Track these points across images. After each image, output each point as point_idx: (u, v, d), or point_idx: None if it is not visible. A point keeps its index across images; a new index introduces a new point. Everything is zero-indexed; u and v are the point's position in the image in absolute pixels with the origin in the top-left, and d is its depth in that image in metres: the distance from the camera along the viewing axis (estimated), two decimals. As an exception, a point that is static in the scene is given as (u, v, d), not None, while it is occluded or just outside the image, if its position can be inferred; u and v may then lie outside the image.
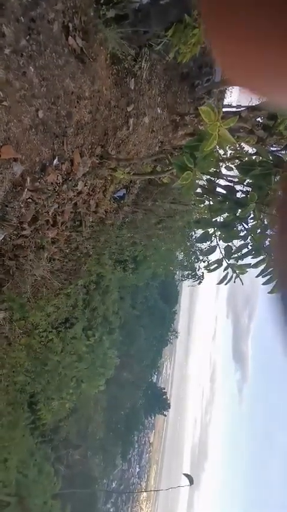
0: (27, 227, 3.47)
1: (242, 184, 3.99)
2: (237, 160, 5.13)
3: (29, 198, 3.13)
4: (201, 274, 10.81)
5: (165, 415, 36.61)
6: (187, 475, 3.83)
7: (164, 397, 31.49)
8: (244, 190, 3.60)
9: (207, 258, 10.41)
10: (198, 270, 10.96)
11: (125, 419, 23.78)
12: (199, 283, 10.90)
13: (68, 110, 3.49)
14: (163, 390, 33.34)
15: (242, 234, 3.25)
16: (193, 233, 10.80)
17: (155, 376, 37.95)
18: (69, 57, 3.84)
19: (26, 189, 2.92)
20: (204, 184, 3.76)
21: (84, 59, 4.09)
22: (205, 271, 10.65)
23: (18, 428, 6.53)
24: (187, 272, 11.85)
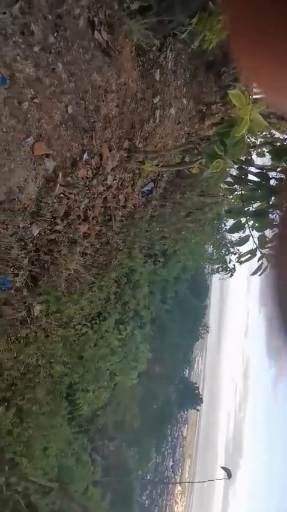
0: (59, 222, 3.57)
1: (275, 171, 3.81)
2: (269, 146, 4.92)
3: (61, 193, 3.21)
4: (232, 266, 10.56)
5: (198, 410, 36.44)
6: (224, 468, 3.78)
7: (197, 392, 31.32)
8: (278, 177, 3.43)
9: (238, 250, 10.15)
10: (229, 263, 10.72)
11: (158, 413, 23.97)
12: (230, 276, 10.65)
13: (96, 104, 3.53)
14: (195, 385, 33.16)
15: (277, 222, 3.11)
16: (223, 225, 10.56)
17: (187, 371, 37.82)
18: (95, 52, 3.87)
19: (58, 185, 2.99)
20: (235, 173, 3.64)
21: (110, 52, 4.10)
22: (236, 264, 10.39)
23: (57, 418, 6.82)
24: (217, 265, 11.64)
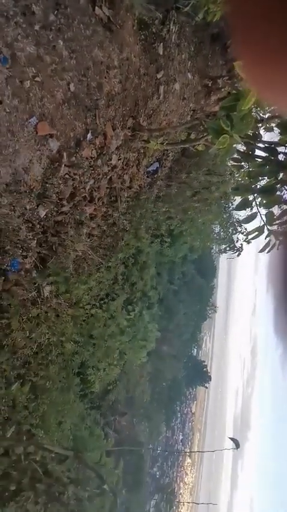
0: (66, 203, 3.58)
1: (284, 145, 3.72)
2: (277, 120, 4.77)
3: (66, 174, 3.21)
4: (239, 246, 10.50)
5: (206, 387, 37.33)
6: (232, 439, 3.91)
7: (205, 369, 32.00)
8: (286, 152, 3.35)
9: (245, 228, 10.05)
10: (236, 242, 10.65)
11: (167, 390, 24.68)
12: (238, 255, 10.60)
13: (98, 81, 3.45)
14: (203, 363, 33.84)
15: (285, 198, 3.07)
16: (230, 204, 10.41)
17: (195, 350, 38.48)
18: (96, 27, 3.74)
19: (63, 165, 2.99)
20: (242, 149, 3.57)
21: (112, 27, 3.96)
22: (244, 243, 10.31)
23: (70, 394, 7.10)
24: (224, 245, 11.58)
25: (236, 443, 4.09)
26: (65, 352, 5.81)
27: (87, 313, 6.19)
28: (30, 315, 4.21)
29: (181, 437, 41.13)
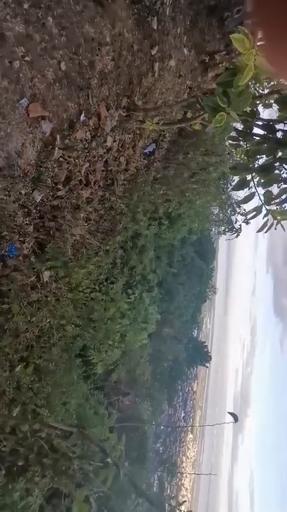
0: (61, 187, 3.55)
1: (283, 122, 3.64)
2: (276, 96, 4.65)
3: (61, 157, 3.16)
4: (238, 227, 10.48)
5: (207, 367, 38.19)
6: (231, 414, 4.04)
7: (205, 350, 32.65)
8: (285, 129, 3.29)
9: (244, 209, 10.01)
10: (235, 223, 10.63)
11: (168, 371, 25.27)
12: (237, 236, 10.61)
13: (90, 59, 3.34)
14: (204, 343, 34.49)
15: (283, 176, 3.04)
16: (229, 185, 10.31)
17: (196, 331, 39.13)
18: (87, 2, 3.58)
19: (57, 148, 2.94)
20: (239, 127, 3.49)
21: (103, 1, 3.79)
22: (243, 224, 10.30)
23: (74, 376, 7.29)
24: (223, 227, 11.55)
25: (235, 417, 4.25)
26: (66, 335, 5.91)
27: (87, 297, 6.26)
28: (30, 300, 4.26)
29: (182, 414, 42.48)
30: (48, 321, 4.74)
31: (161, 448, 34.24)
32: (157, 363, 22.15)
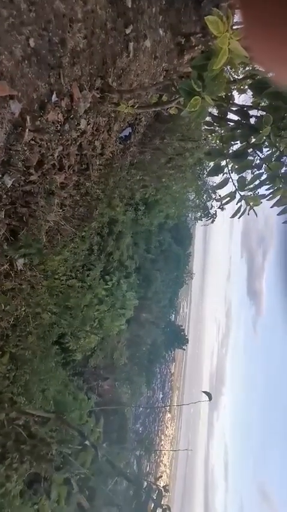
0: (34, 172, 3.42)
1: (257, 109, 3.67)
2: (250, 80, 4.67)
3: (32, 139, 3.03)
4: (214, 212, 10.65)
5: (184, 349, 39.31)
6: (206, 392, 4.23)
7: (182, 333, 33.53)
8: (259, 116, 3.32)
9: (219, 195, 10.15)
10: (211, 209, 10.78)
11: (147, 354, 25.81)
12: (212, 221, 10.79)
13: (61, 36, 3.18)
14: (181, 327, 35.37)
15: (256, 163, 3.09)
16: (205, 171, 10.38)
17: (173, 315, 39.97)
18: (55, -29, 3.37)
19: (27, 130, 2.81)
20: (215, 112, 3.48)
21: (73, -29, 3.58)
22: (218, 210, 10.46)
23: (52, 363, 7.28)
24: (199, 213, 11.68)
25: (209, 396, 4.47)
26: (42, 323, 5.85)
27: (63, 284, 6.19)
28: (4, 288, 4.15)
29: (161, 395, 43.83)
30: (23, 309, 4.65)
31: (140, 428, 35.33)
32: (136, 347, 22.53)
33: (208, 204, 10.68)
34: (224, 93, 3.50)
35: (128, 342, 19.34)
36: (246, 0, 0.36)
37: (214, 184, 10.38)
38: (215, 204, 10.38)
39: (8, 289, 4.15)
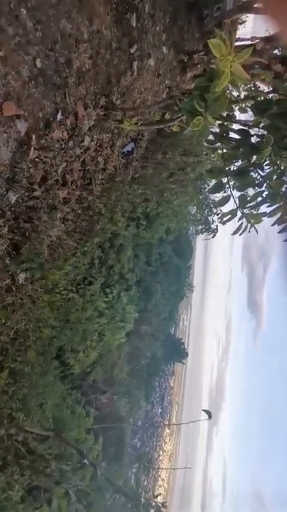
0: (37, 188, 3.45)
1: (258, 127, 3.73)
2: (252, 101, 4.76)
3: (36, 157, 3.06)
4: (215, 227, 10.69)
5: (183, 363, 38.84)
6: (205, 411, 4.16)
7: (182, 346, 33.19)
8: (260, 134, 3.37)
9: (220, 210, 10.20)
10: (212, 224, 10.83)
11: (146, 368, 25.48)
12: (213, 236, 10.82)
13: (67, 57, 3.25)
14: (181, 340, 35.03)
15: (257, 181, 3.11)
16: (206, 186, 10.46)
17: (173, 328, 39.63)
18: (63, -6, 3.48)
19: (32, 148, 2.85)
20: (216, 130, 3.53)
21: (80, -6, 3.70)
22: (219, 224, 10.50)
23: (50, 377, 7.18)
24: (200, 226, 11.73)
25: (209, 414, 4.40)
26: (42, 337, 5.79)
27: (63, 298, 6.16)
28: (5, 303, 4.12)
29: (160, 410, 43.03)
30: (24, 323, 4.61)
31: (138, 444, 34.56)
32: (135, 360, 22.26)
33: (209, 218, 10.74)
34: (227, 113, 3.56)
35: (128, 355, 19.13)
36: None
37: (216, 199, 10.46)
38: (217, 218, 10.45)
39: (8, 304, 4.12)
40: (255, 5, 5.96)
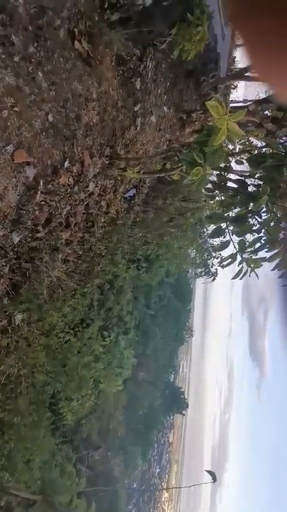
0: (41, 229, 3.54)
1: (253, 177, 3.94)
2: (247, 154, 5.09)
3: (42, 200, 3.19)
4: (214, 271, 10.75)
5: (183, 414, 36.45)
6: (209, 472, 3.81)
7: (182, 396, 31.38)
8: (256, 183, 3.56)
9: (220, 254, 10.35)
10: (211, 267, 10.90)
11: (143, 419, 23.82)
12: (213, 280, 10.83)
13: (76, 113, 3.55)
14: (180, 389, 33.23)
15: (255, 227, 3.21)
16: (205, 230, 10.74)
17: (172, 376, 37.84)
18: (76, 61, 3.90)
19: (39, 192, 2.98)
20: (214, 180, 3.73)
21: (91, 61, 4.14)
22: (218, 268, 10.57)
23: (40, 429, 6.66)
24: (200, 269, 11.80)
25: (213, 477, 4.00)
26: (35, 383, 5.50)
27: (60, 342, 5.97)
28: (0, 345, 4.00)
29: (157, 470, 39.39)
30: (17, 368, 4.42)
31: (133, 510, 31.11)
32: (132, 411, 20.90)
33: (209, 262, 10.85)
34: (224, 164, 3.78)
35: (124, 405, 18.02)
36: (240, 15, 0.36)
37: (215, 243, 10.65)
38: (216, 262, 10.56)
39: (3, 346, 4.00)
40: (246, 74, 6.65)
